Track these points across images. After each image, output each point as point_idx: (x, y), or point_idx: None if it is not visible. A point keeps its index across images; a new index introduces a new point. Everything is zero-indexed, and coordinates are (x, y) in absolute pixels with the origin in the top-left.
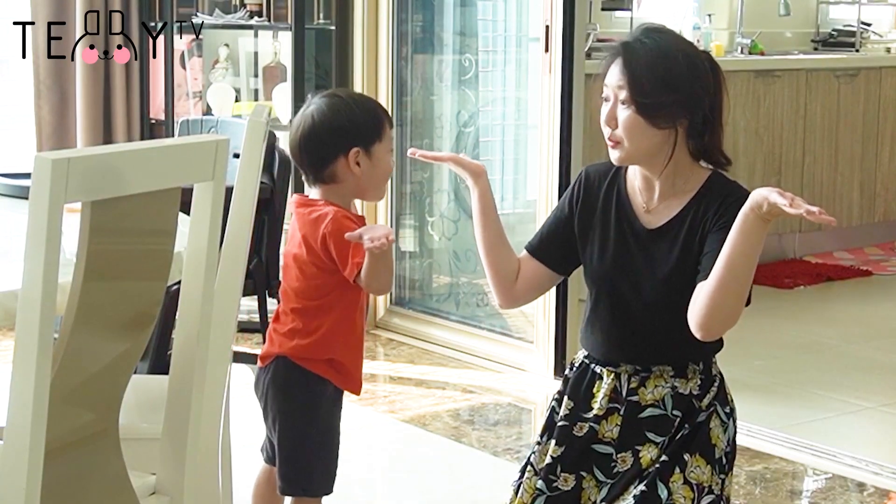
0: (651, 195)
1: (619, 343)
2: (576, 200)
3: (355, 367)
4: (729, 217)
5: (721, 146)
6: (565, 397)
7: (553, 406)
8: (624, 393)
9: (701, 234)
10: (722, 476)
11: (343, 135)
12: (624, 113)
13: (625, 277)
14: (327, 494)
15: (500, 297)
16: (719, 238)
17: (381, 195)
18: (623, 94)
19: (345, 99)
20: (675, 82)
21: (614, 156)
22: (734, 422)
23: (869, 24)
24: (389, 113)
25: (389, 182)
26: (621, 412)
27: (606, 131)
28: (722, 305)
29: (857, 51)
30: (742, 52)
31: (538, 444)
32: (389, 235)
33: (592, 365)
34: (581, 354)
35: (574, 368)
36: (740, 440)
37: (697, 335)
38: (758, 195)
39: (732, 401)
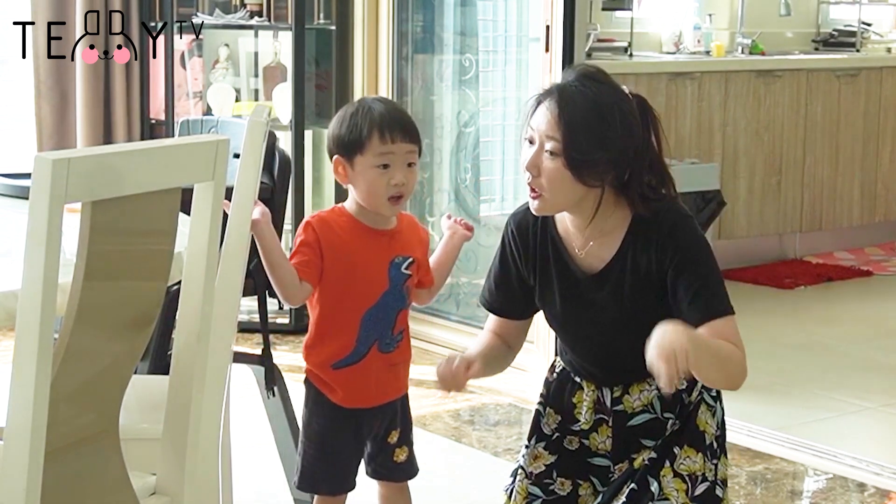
0: (582, 237)
1: (594, 370)
2: (516, 253)
3: (336, 382)
4: (674, 252)
5: (666, 181)
6: (549, 408)
7: (538, 410)
8: (608, 403)
9: (651, 272)
10: (715, 461)
11: (329, 141)
12: (550, 163)
13: (581, 321)
14: (309, 492)
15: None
16: (682, 282)
17: (381, 209)
18: (552, 145)
19: (350, 107)
20: (609, 141)
21: (534, 206)
22: (721, 403)
23: (869, 25)
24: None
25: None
26: (609, 423)
27: (527, 177)
28: (718, 377)
29: (858, 51)
30: (743, 52)
31: (527, 447)
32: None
33: (573, 374)
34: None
35: (555, 374)
36: (741, 440)
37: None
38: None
39: None
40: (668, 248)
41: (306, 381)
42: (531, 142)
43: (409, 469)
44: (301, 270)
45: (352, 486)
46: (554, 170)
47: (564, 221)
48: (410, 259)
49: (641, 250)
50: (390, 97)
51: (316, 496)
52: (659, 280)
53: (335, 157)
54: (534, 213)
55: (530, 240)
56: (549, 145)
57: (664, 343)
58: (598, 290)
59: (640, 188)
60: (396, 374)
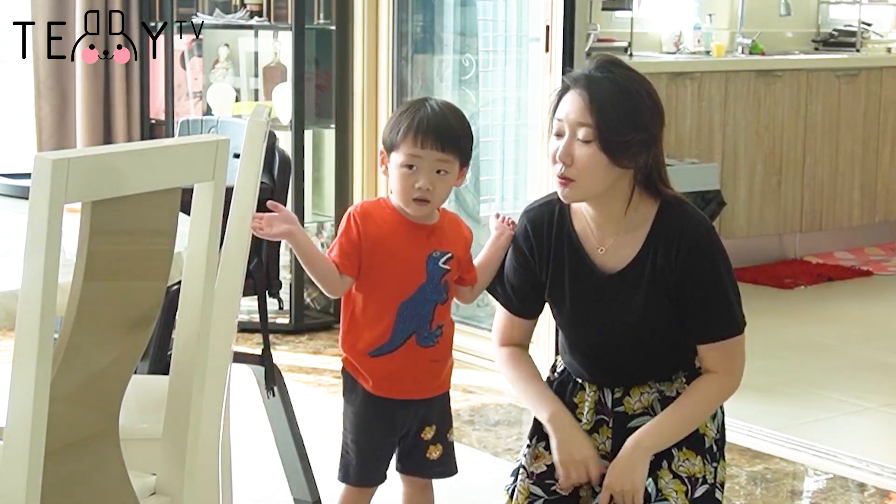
0: (602, 234)
1: (598, 371)
2: (530, 248)
3: (369, 370)
4: (698, 268)
5: (665, 178)
6: None
7: None
8: (609, 404)
9: (668, 278)
10: (714, 464)
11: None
12: (584, 150)
13: (592, 322)
14: (350, 484)
15: None
16: (698, 297)
17: (407, 207)
18: (584, 131)
19: (405, 105)
20: (640, 121)
21: (564, 193)
22: (722, 407)
23: (869, 24)
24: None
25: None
26: (609, 424)
27: (558, 168)
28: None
29: (858, 51)
30: (743, 52)
31: (528, 446)
32: (257, 220)
33: (574, 375)
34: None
35: (556, 373)
36: (741, 440)
37: None
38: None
39: None
40: (691, 262)
41: (343, 371)
42: (559, 134)
43: (443, 468)
44: (341, 264)
45: (380, 480)
46: (588, 156)
47: (584, 218)
48: (449, 255)
49: (663, 256)
50: (390, 97)
51: (344, 487)
52: (675, 288)
53: (381, 148)
54: (563, 199)
55: (545, 235)
56: (581, 133)
57: (617, 486)
58: (613, 291)
59: (659, 175)
60: (436, 372)
